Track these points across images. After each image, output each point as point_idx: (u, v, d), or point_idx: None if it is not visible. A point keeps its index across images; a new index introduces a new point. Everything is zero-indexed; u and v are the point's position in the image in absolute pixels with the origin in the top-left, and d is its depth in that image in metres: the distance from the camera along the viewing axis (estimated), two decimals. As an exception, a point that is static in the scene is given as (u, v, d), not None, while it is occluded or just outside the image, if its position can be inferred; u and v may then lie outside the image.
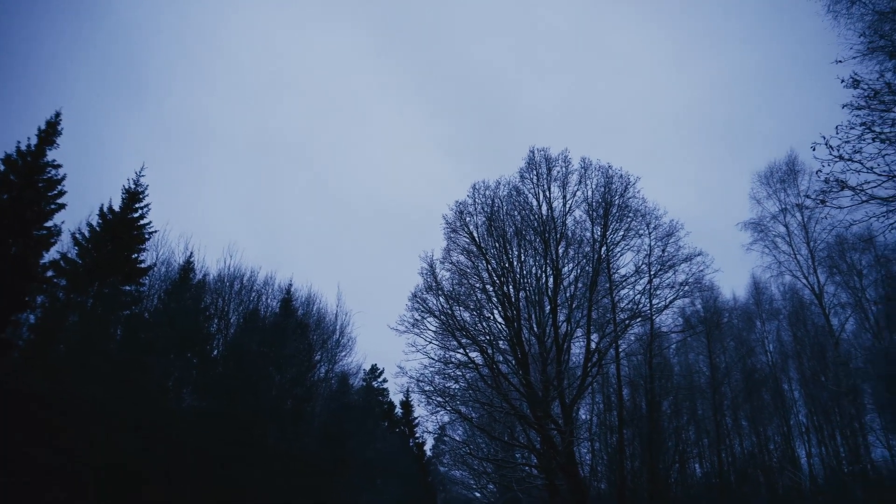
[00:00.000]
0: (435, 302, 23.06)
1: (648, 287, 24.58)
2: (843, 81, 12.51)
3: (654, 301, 24.75)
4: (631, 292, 24.91)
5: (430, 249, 32.34)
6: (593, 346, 23.49)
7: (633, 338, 28.19)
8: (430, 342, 23.16)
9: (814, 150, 12.43)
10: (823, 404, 29.83)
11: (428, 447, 55.79)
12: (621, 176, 24.65)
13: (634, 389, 29.33)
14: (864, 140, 12.25)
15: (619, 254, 25.30)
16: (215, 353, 28.83)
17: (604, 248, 24.63)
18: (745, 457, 34.18)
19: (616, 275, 25.34)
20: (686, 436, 31.95)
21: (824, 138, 12.30)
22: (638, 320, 24.96)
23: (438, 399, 22.38)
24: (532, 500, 29.89)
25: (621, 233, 24.68)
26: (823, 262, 28.39)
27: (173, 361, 24.79)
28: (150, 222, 25.83)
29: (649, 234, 25.25)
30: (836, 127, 12.34)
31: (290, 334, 30.32)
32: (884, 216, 12.46)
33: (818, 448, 32.49)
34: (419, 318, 23.02)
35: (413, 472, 46.43)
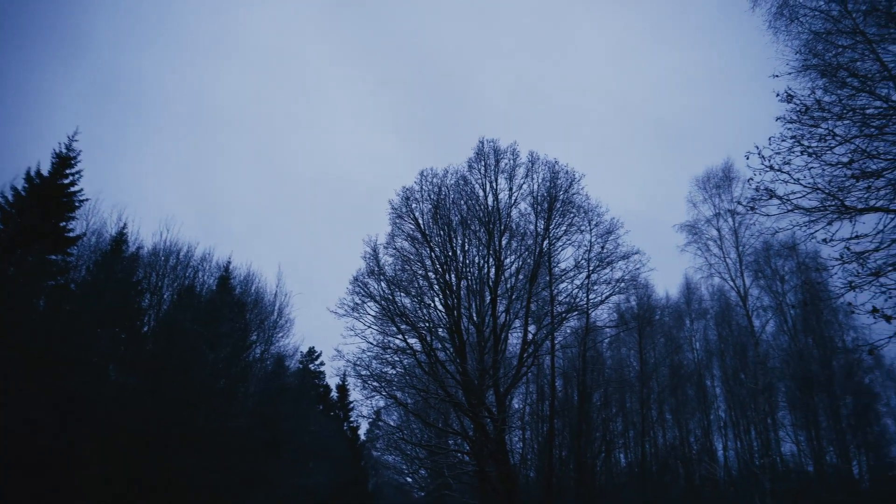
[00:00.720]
0: (376, 287, 22.99)
1: (586, 282, 25.28)
2: (778, 95, 13.08)
3: (591, 296, 25.50)
4: (569, 286, 25.56)
5: (375, 234, 32.23)
6: (530, 337, 24.01)
7: (568, 331, 28.98)
8: (370, 327, 23.09)
9: (747, 158, 13.00)
10: (741, 400, 31.49)
11: (362, 431, 55.75)
12: (567, 172, 25.20)
13: (567, 381, 30.17)
14: (793, 152, 12.82)
15: (560, 248, 25.91)
16: (146, 329, 27.86)
17: (546, 242, 25.14)
18: (667, 448, 35.74)
19: (556, 268, 25.91)
20: (613, 427, 33.14)
21: (757, 148, 12.86)
22: (574, 314, 25.64)
23: (375, 384, 22.34)
24: (462, 486, 30.40)
25: (564, 228, 25.27)
26: (750, 266, 29.81)
27: (100, 335, 23.82)
28: (81, 190, 24.61)
29: (591, 230, 25.94)
30: (770, 138, 12.93)
31: (226, 313, 29.59)
32: (806, 226, 13.10)
33: (734, 441, 34.37)
34: (359, 302, 22.91)
35: (346, 456, 46.29)
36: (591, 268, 25.30)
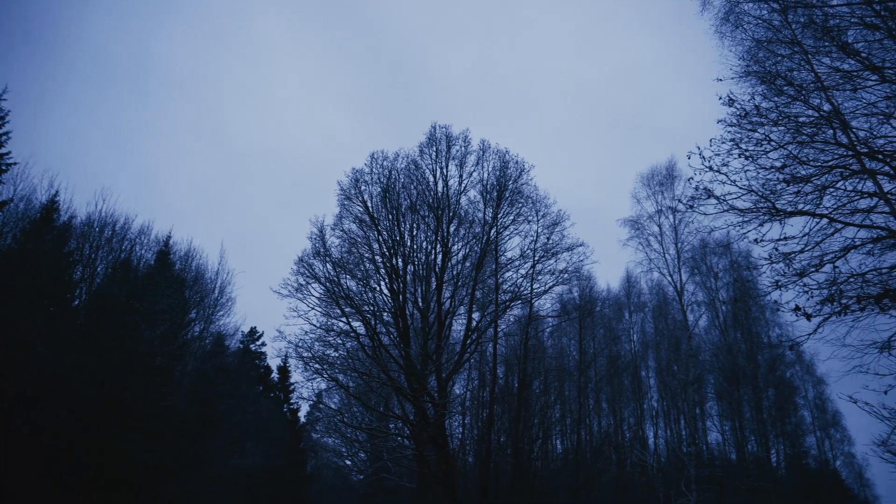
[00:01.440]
0: (322, 268, 22.72)
1: (531, 272, 25.74)
2: (720, 98, 13.57)
3: (536, 286, 25.99)
4: (514, 275, 25.98)
5: (322, 214, 31.73)
6: (474, 324, 24.29)
7: (512, 319, 29.45)
8: (313, 308, 22.84)
9: (689, 158, 13.47)
10: (673, 391, 32.80)
11: (302, 414, 55.23)
12: (517, 162, 25.52)
13: (509, 368, 30.73)
14: (731, 155, 13.33)
15: (507, 237, 26.27)
16: (77, 303, 26.74)
17: (493, 231, 25.44)
18: (601, 435, 36.94)
19: (502, 257, 26.26)
20: (551, 414, 33.98)
21: (699, 149, 13.33)
22: (518, 303, 26.09)
23: (317, 366, 22.15)
24: (401, 469, 30.61)
25: (511, 217, 25.64)
26: (687, 262, 30.98)
27: (26, 308, 22.71)
28: (9, 153, 23.25)
29: (538, 220, 26.37)
30: (711, 140, 13.40)
31: (164, 289, 28.66)
32: (740, 226, 13.67)
33: (665, 430, 35.83)
34: (304, 283, 22.61)
35: (285, 438, 45.82)
36: (536, 258, 25.78)
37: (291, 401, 55.81)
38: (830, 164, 12.60)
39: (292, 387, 54.90)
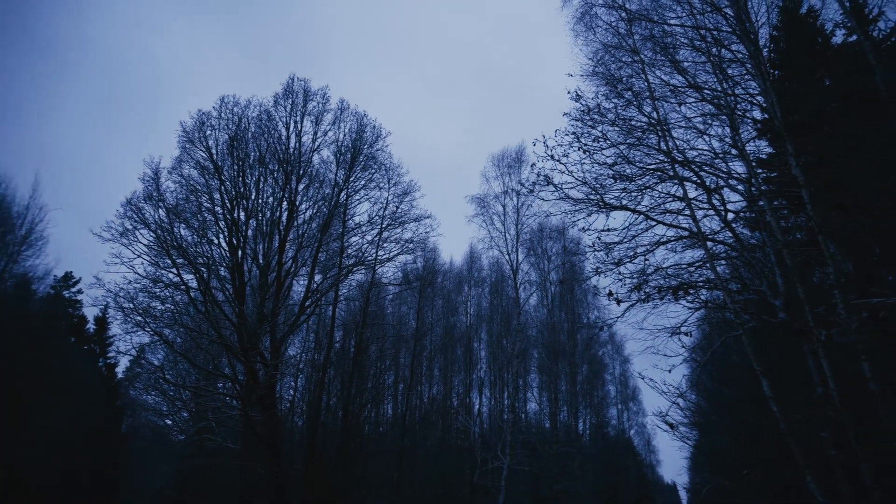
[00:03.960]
0: (153, 214, 20.86)
1: (378, 239, 25.79)
2: (569, 93, 14.46)
3: (380, 253, 26.08)
4: (360, 241, 25.85)
5: (158, 155, 29.00)
6: (315, 286, 23.87)
7: (354, 283, 29.37)
8: (140, 256, 20.97)
9: (535, 146, 14.25)
10: (500, 363, 34.96)
11: (121, 369, 51.06)
12: (374, 127, 25.28)
13: (347, 333, 30.73)
14: (572, 147, 14.30)
15: (357, 202, 26.02)
16: None
17: (344, 194, 25.09)
18: (431, 402, 38.46)
19: (350, 221, 26.01)
20: (385, 379, 34.66)
21: (544, 138, 14.12)
22: (362, 268, 26.07)
23: (139, 318, 20.44)
24: (225, 430, 29.60)
25: (363, 182, 25.43)
26: (525, 243, 33.00)
27: None
28: None
29: (389, 189, 26.40)
30: (556, 131, 14.25)
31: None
32: (572, 214, 14.77)
33: (490, 399, 38.17)
34: (131, 227, 20.62)
35: (98, 394, 42.09)
36: (383, 225, 25.85)
37: (109, 354, 51.36)
38: (652, 167, 13.98)
39: (111, 340, 50.49)
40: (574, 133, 14.37)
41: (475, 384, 38.49)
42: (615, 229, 14.37)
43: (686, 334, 13.55)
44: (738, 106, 13.30)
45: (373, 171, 25.38)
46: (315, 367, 28.25)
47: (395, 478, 28.40)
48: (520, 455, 28.97)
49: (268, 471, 21.58)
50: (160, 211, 20.93)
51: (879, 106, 9.68)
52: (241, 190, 22.57)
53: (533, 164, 14.45)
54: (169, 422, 37.13)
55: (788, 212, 15.04)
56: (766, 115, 13.24)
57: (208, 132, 22.70)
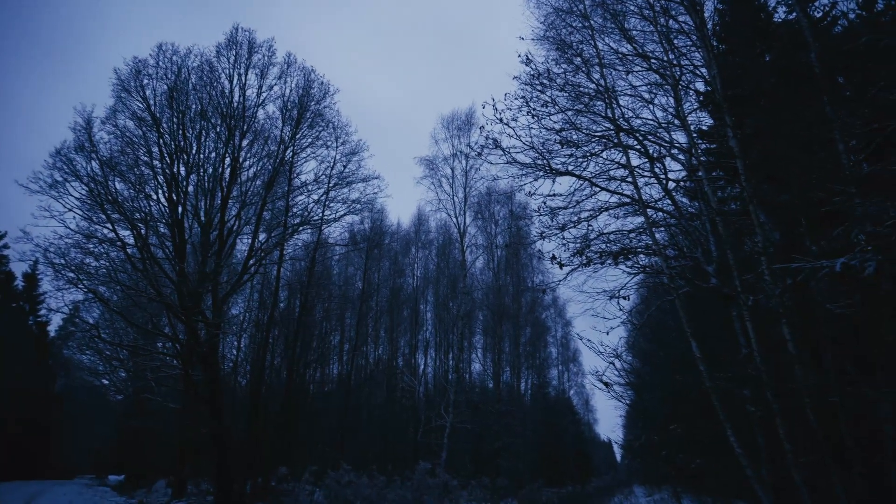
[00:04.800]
0: (85, 165, 19.81)
1: (324, 198, 25.37)
2: (519, 56, 14.40)
3: (327, 212, 25.69)
4: (307, 200, 25.36)
5: (91, 104, 27.51)
6: (259, 245, 23.39)
7: (300, 243, 28.97)
8: (72, 210, 19.97)
9: (484, 108, 14.24)
10: (446, 325, 35.44)
11: (53, 328, 49.16)
12: (322, 83, 24.61)
13: (292, 293, 30.39)
14: (521, 111, 14.33)
15: (303, 160, 25.46)
16: None
17: (290, 151, 24.47)
18: (377, 362, 38.77)
19: (296, 180, 25.47)
20: (331, 340, 34.66)
21: (493, 101, 14.09)
22: (308, 228, 25.68)
23: (71, 275, 19.59)
24: (165, 390, 29.11)
25: (310, 139, 24.85)
26: (473, 207, 33.22)
27: None
28: None
29: (336, 147, 25.92)
30: (505, 94, 14.24)
31: None
32: (520, 178, 14.92)
33: (435, 360, 38.74)
34: (61, 179, 19.58)
35: (28, 353, 40.52)
36: (330, 184, 25.41)
37: (39, 313, 49.29)
38: (598, 134, 14.20)
39: (41, 297, 48.38)
40: (523, 97, 14.39)
41: (421, 345, 38.95)
42: (561, 195, 14.62)
43: (624, 298, 14.03)
44: (683, 77, 13.58)
45: (320, 128, 24.82)
46: (259, 326, 27.90)
47: (340, 436, 28.67)
48: (463, 414, 29.71)
49: (210, 430, 21.41)
50: (93, 163, 19.94)
51: (813, 83, 10.07)
52: (182, 144, 21.69)
53: (482, 127, 14.42)
54: (106, 381, 36.15)
55: (725, 182, 15.64)
56: (708, 88, 13.60)
57: (145, 81, 21.60)
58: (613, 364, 12.83)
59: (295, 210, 25.06)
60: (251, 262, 22.70)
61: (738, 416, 11.11)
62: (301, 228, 24.91)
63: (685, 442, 11.89)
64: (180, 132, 21.61)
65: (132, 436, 32.49)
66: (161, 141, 21.31)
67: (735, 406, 11.57)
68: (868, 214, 5.28)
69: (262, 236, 23.76)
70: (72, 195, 19.81)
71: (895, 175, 5.74)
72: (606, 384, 12.53)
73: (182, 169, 21.80)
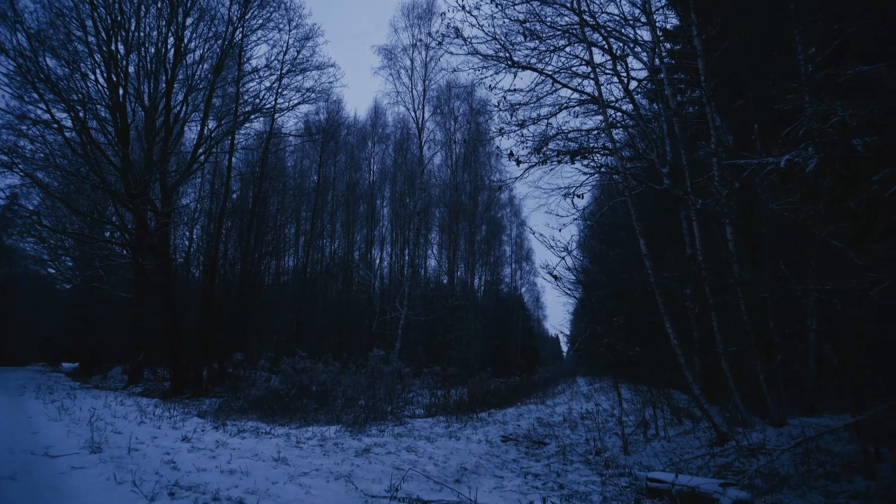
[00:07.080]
0: (11, 38, 18.23)
1: (277, 85, 24.23)
2: (485, -61, 13.51)
3: (280, 101, 24.65)
4: (258, 87, 24.19)
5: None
6: (208, 132, 22.45)
7: (252, 133, 27.93)
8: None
9: (445, -7, 13.49)
10: (402, 220, 35.51)
11: (-10, 215, 47.02)
12: (273, -42, 22.82)
13: (245, 184, 29.64)
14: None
15: (254, 43, 24.05)
16: None
17: (239, 33, 23.00)
18: (333, 256, 38.92)
19: (247, 65, 24.14)
20: (286, 232, 34.39)
21: (456, -15, 13.37)
22: (259, 116, 24.68)
23: (4, 158, 18.54)
24: (116, 279, 28.77)
25: (261, 21, 23.35)
26: (432, 101, 32.29)
27: None
28: None
29: (289, 31, 24.50)
30: (469, -21, 13.49)
31: None
32: (481, 70, 14.50)
33: (391, 256, 39.13)
34: (-16, 53, 18.04)
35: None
36: (283, 71, 24.19)
37: (-26, 198, 47.01)
38: (562, 26, 13.75)
39: (-24, 183, 45.97)
40: (487, -17, 13.73)
41: (377, 240, 39.14)
42: (521, 90, 14.34)
43: (579, 196, 14.26)
44: (653, -32, 13.09)
45: (271, 9, 23.26)
46: (211, 217, 27.37)
47: (296, 326, 29.21)
48: (417, 307, 30.53)
49: (162, 319, 21.47)
50: (19, 35, 18.32)
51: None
52: (119, 19, 20.03)
53: (443, 14, 13.84)
54: (52, 271, 35.32)
55: (685, 86, 15.59)
56: (677, -19, 13.17)
57: (74, -57, 19.53)
58: (564, 259, 13.22)
59: (246, 97, 23.95)
60: (200, 150, 21.88)
61: (677, 313, 11.75)
62: (253, 116, 23.93)
63: (627, 332, 12.60)
64: (116, 6, 19.88)
65: (83, 324, 32.30)
66: (95, 14, 19.61)
67: (676, 303, 12.21)
68: (816, 114, 5.36)
69: (211, 124, 22.78)
70: (-2, 70, 18.36)
71: (848, 78, 5.80)
72: (556, 277, 12.96)
73: (121, 47, 20.31)
